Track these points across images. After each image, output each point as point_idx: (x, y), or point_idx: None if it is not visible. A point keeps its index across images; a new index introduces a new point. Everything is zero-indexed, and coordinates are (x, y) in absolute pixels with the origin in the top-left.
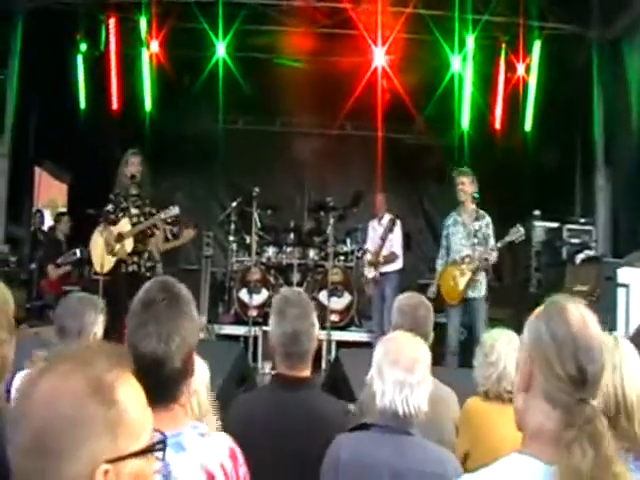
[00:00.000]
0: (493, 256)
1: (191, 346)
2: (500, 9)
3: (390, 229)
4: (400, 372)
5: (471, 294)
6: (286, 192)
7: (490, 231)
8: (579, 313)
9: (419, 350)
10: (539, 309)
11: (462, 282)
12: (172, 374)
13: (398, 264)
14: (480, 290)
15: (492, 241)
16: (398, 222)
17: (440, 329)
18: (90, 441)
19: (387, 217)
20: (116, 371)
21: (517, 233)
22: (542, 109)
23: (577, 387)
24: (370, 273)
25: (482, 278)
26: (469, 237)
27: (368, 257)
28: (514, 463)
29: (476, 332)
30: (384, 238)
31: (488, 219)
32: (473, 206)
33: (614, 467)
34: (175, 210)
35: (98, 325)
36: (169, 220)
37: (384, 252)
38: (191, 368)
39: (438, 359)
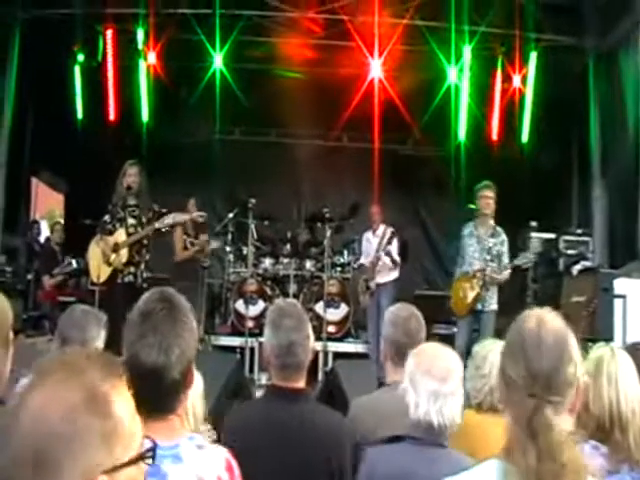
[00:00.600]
0: (504, 275)
1: (190, 357)
2: (496, 20)
3: (389, 242)
4: (434, 382)
5: (480, 307)
6: (283, 203)
7: (505, 249)
8: (536, 317)
9: (452, 360)
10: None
11: (471, 296)
12: (171, 385)
13: (395, 274)
14: (490, 304)
15: (506, 259)
16: (395, 239)
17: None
18: (87, 453)
19: (382, 228)
20: (110, 380)
21: (526, 259)
22: (538, 120)
23: (526, 384)
24: (370, 282)
25: (492, 292)
26: (482, 252)
27: (366, 264)
28: (491, 467)
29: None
30: (379, 250)
31: (504, 237)
32: (491, 222)
33: (561, 456)
34: (169, 219)
35: (100, 340)
36: (164, 230)
37: (381, 263)
38: (190, 379)
39: None
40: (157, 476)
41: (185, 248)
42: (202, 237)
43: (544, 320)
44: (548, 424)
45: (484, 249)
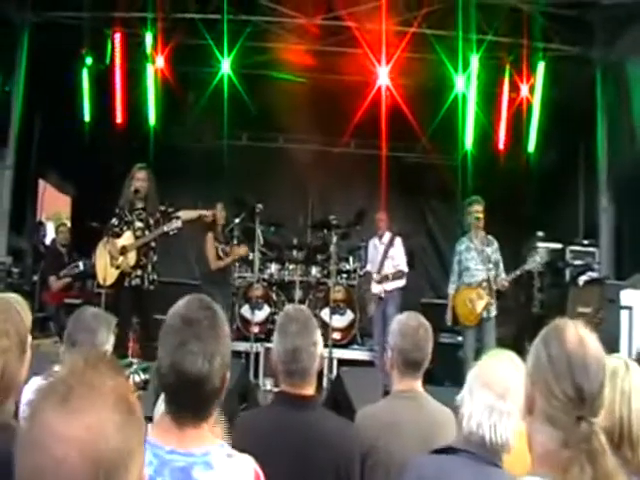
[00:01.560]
0: (509, 281)
1: (227, 365)
2: (504, 30)
3: (391, 243)
4: (491, 397)
5: (485, 315)
6: (289, 209)
7: (499, 256)
8: (576, 333)
9: (515, 377)
10: (541, 333)
11: (480, 305)
12: (211, 393)
13: (402, 282)
14: (492, 311)
15: (501, 265)
16: (398, 239)
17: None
18: (139, 460)
19: (387, 235)
20: (128, 384)
21: (534, 262)
22: (546, 130)
23: (575, 406)
24: (375, 289)
25: (494, 300)
26: (484, 262)
27: (375, 277)
28: None
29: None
30: (385, 255)
31: (496, 244)
32: (482, 233)
33: None
34: (178, 224)
35: (109, 344)
36: (171, 233)
37: (387, 270)
38: (225, 387)
39: (443, 379)
40: None
41: (219, 257)
42: (242, 247)
43: (585, 339)
44: (604, 449)
45: (484, 259)
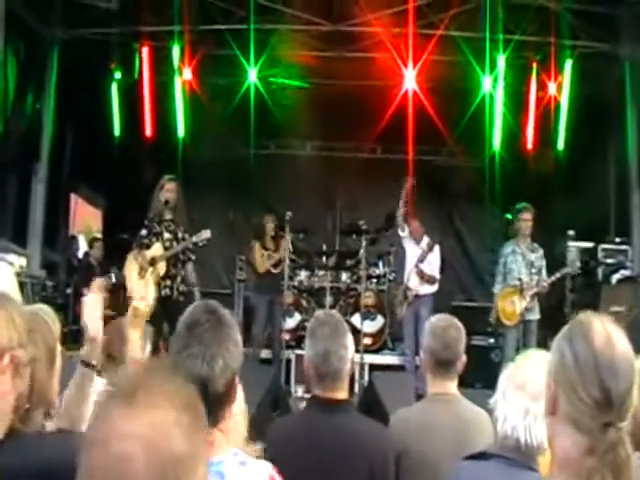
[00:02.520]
0: (547, 285)
1: (234, 370)
2: (531, 29)
3: (430, 248)
4: (526, 399)
5: (527, 316)
6: (318, 216)
7: (543, 263)
8: (603, 331)
9: None
10: (564, 329)
11: (521, 305)
12: (214, 397)
13: (434, 287)
14: (535, 313)
15: (544, 272)
16: (437, 246)
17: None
18: (201, 471)
19: (426, 240)
20: (195, 391)
21: (575, 265)
22: (575, 128)
23: (601, 410)
24: (413, 282)
25: (536, 302)
26: (527, 267)
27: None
28: None
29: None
30: (422, 260)
31: (542, 252)
32: (528, 239)
33: None
34: (207, 234)
35: (146, 354)
36: (200, 244)
37: (425, 273)
38: (234, 394)
39: (474, 381)
40: None
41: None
42: (281, 249)
43: (612, 337)
44: (629, 459)
45: (528, 263)
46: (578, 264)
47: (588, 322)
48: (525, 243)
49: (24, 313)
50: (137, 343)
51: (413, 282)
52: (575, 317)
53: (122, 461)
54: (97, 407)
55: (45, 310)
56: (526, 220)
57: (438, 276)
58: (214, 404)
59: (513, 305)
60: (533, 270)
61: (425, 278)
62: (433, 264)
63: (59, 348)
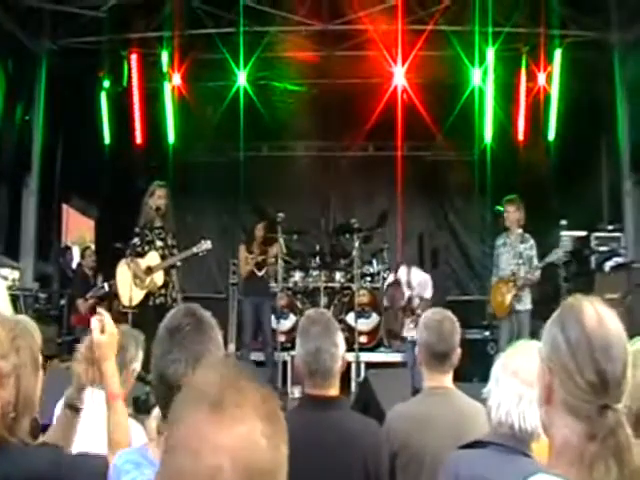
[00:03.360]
0: (536, 275)
1: None
2: (520, 20)
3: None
4: (520, 385)
5: (517, 307)
6: (311, 216)
7: (533, 253)
8: (595, 313)
9: None
10: (555, 314)
11: (509, 297)
12: None
13: (428, 292)
14: (525, 303)
15: (535, 261)
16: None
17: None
18: (283, 475)
19: (403, 269)
20: (276, 397)
21: (556, 255)
22: (565, 117)
23: (598, 393)
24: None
25: (526, 293)
26: (515, 257)
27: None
28: None
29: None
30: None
31: (532, 242)
32: (519, 230)
33: None
34: (207, 245)
35: (138, 361)
36: (200, 254)
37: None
38: None
39: (471, 375)
40: None
41: (247, 264)
42: (269, 253)
43: (604, 318)
44: (630, 443)
45: (516, 254)
46: (561, 253)
47: (579, 305)
48: (514, 234)
49: (6, 322)
50: (114, 376)
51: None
52: (565, 301)
53: (213, 471)
54: (180, 409)
55: (26, 320)
56: (508, 212)
57: (429, 295)
58: None
59: (503, 297)
60: (521, 261)
61: (422, 307)
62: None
63: (41, 358)
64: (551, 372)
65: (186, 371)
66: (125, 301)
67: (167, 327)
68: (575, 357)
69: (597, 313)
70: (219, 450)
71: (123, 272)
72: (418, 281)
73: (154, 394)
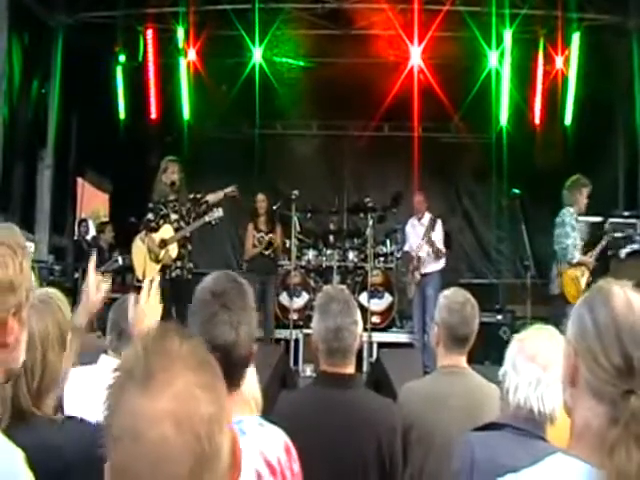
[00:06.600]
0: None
1: (253, 335)
2: (538, 2)
3: (432, 227)
4: (538, 369)
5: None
6: (325, 195)
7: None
8: (624, 297)
9: (557, 348)
10: (583, 297)
11: (584, 282)
12: (239, 361)
13: (441, 264)
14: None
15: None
16: (439, 221)
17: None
18: (227, 425)
19: (427, 217)
20: (203, 346)
21: (605, 241)
22: (582, 102)
23: (623, 377)
24: (416, 272)
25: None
26: (582, 241)
27: (414, 262)
28: (559, 464)
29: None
30: (425, 238)
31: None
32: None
33: None
34: (219, 212)
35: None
36: (213, 222)
37: (426, 250)
38: (252, 357)
39: (483, 357)
40: None
41: (254, 245)
42: (277, 231)
43: (633, 303)
44: None
45: (582, 238)
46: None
47: (608, 289)
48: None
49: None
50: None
51: (423, 252)
52: (595, 284)
53: (157, 445)
54: (113, 394)
55: (57, 295)
56: (584, 196)
57: (443, 249)
58: (238, 367)
59: (578, 283)
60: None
61: (434, 249)
62: (435, 240)
63: (70, 336)
64: (577, 354)
65: (230, 333)
66: (139, 274)
67: (211, 290)
68: (602, 339)
69: (626, 297)
70: (158, 420)
71: (138, 247)
72: (439, 235)
73: None
